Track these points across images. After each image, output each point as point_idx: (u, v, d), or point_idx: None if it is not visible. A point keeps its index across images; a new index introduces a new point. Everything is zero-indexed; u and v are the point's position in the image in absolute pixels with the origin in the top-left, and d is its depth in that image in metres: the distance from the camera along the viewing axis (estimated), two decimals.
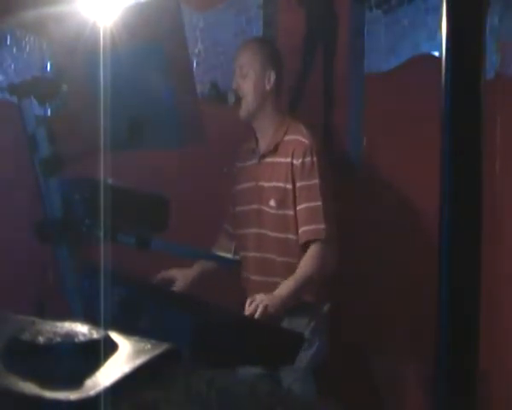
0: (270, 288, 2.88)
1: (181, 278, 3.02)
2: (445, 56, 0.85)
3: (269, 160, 2.96)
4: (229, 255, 3.05)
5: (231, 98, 2.96)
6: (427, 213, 3.04)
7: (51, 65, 3.33)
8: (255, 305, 2.69)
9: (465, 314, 0.85)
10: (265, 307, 2.68)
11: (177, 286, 2.99)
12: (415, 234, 3.15)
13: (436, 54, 3.10)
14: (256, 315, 2.66)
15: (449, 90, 0.85)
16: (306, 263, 2.83)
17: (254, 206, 2.98)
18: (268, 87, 2.97)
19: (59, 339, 0.75)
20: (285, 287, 2.80)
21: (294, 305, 2.86)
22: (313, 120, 3.20)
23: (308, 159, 2.85)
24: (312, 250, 2.83)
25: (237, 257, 3.07)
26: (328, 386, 2.91)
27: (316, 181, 2.84)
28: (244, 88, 2.95)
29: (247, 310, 2.69)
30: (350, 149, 3.37)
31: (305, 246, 2.86)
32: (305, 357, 2.71)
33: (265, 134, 2.99)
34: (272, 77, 2.97)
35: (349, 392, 3.07)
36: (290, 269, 2.86)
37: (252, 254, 2.99)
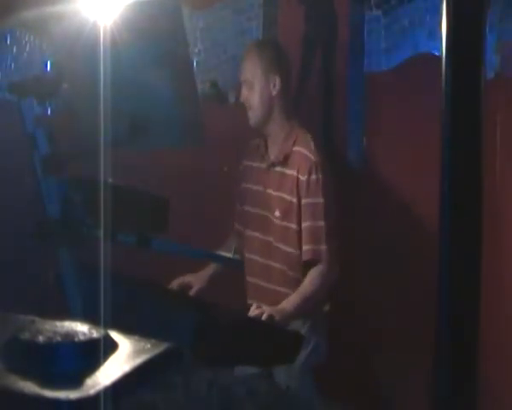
0: (268, 294, 2.90)
1: (197, 281, 3.04)
2: (445, 56, 0.85)
3: (278, 169, 2.94)
4: (229, 255, 3.06)
5: (232, 97, 2.96)
6: (428, 213, 3.04)
7: (51, 64, 3.32)
8: (261, 311, 2.70)
9: (465, 314, 0.85)
10: (271, 317, 2.69)
11: (195, 290, 3.01)
12: (415, 234, 3.15)
13: (436, 53, 3.10)
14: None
15: (449, 89, 0.85)
16: (309, 283, 2.84)
17: (261, 211, 2.98)
18: (274, 93, 2.92)
19: (59, 338, 0.75)
20: (290, 304, 2.80)
21: None
22: (313, 119, 3.20)
23: (314, 176, 2.84)
24: (314, 271, 2.84)
25: (237, 256, 3.08)
26: (328, 385, 2.91)
27: (320, 200, 2.84)
28: (251, 99, 2.93)
29: (253, 313, 2.70)
30: (350, 150, 3.37)
31: (306, 262, 2.88)
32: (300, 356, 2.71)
33: (275, 141, 2.97)
34: (277, 82, 2.92)
35: (348, 392, 3.07)
36: (289, 280, 2.89)
37: (255, 257, 3.00)
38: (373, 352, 3.25)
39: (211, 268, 3.08)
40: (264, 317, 2.69)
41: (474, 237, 0.85)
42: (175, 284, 3.01)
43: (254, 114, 2.93)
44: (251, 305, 2.85)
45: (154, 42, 2.04)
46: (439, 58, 0.86)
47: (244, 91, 2.95)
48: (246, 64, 2.98)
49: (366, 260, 3.22)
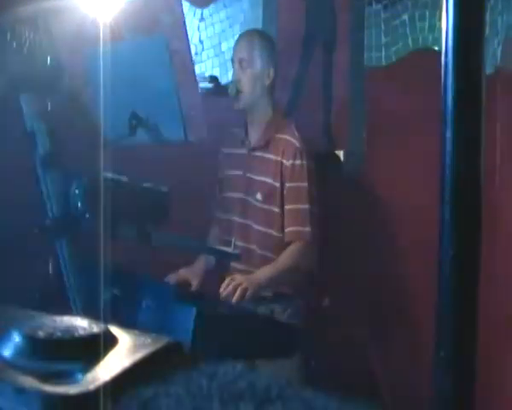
0: None
1: (193, 275, 3.07)
2: (444, 51, 0.84)
3: (259, 153, 3.03)
4: (228, 249, 3.07)
5: (232, 91, 2.98)
6: (428, 213, 3.04)
7: (51, 60, 3.32)
8: (234, 286, 2.68)
9: (465, 314, 0.85)
10: (244, 290, 2.69)
11: (194, 284, 3.03)
12: (415, 234, 3.15)
13: (436, 48, 3.10)
14: (234, 298, 2.65)
15: (449, 85, 0.84)
16: (287, 256, 2.90)
17: (241, 195, 3.05)
18: (267, 82, 3.00)
19: (59, 333, 0.75)
20: (265, 271, 2.86)
21: (272, 295, 2.93)
22: (313, 119, 3.21)
23: (298, 161, 2.92)
24: (295, 247, 2.91)
25: (237, 251, 3.09)
26: (327, 385, 2.91)
27: (305, 184, 2.92)
28: (244, 82, 2.98)
29: (225, 290, 2.68)
30: (350, 149, 3.37)
31: (288, 244, 2.93)
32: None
33: (257, 127, 3.05)
34: (271, 73, 3.01)
35: (348, 392, 3.07)
36: (268, 263, 2.93)
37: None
38: (373, 352, 3.26)
39: (204, 259, 3.10)
40: (237, 294, 2.67)
41: (473, 236, 0.85)
42: (171, 279, 3.01)
43: (245, 99, 2.98)
44: None
45: (155, 37, 2.04)
46: (439, 53, 0.85)
47: (238, 70, 3.00)
48: (244, 43, 3.04)
49: (366, 259, 3.23)
